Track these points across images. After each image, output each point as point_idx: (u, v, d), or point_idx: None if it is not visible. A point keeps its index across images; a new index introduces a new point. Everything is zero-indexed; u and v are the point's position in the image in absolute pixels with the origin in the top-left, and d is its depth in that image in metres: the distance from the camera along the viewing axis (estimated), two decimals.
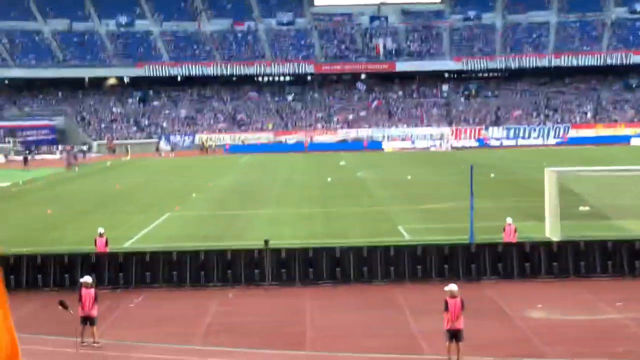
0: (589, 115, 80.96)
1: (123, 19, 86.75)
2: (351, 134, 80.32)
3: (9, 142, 74.35)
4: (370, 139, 77.65)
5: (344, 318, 17.24)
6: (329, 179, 47.63)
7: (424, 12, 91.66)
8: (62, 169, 56.02)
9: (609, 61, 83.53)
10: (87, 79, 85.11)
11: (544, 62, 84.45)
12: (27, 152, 66.80)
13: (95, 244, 21.64)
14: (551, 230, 24.22)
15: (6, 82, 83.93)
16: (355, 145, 74.85)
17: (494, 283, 19.82)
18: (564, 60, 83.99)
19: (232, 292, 19.86)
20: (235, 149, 74.78)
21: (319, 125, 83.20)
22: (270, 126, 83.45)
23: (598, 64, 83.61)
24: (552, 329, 16.36)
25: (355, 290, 19.82)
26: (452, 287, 13.79)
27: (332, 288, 20.17)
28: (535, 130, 78.08)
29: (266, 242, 20.94)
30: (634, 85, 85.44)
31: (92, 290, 15.34)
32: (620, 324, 16.23)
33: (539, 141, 75.77)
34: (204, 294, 19.97)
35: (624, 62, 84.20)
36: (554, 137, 76.12)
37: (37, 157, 67.98)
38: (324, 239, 25.30)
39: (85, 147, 69.06)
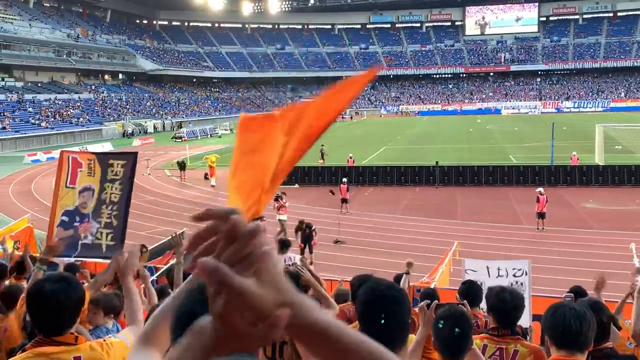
0: (622, 95, 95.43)
1: (363, 45, 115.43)
2: (483, 105, 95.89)
3: None
4: (494, 107, 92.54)
5: (477, 203, 20.84)
6: (471, 129, 53.89)
7: (527, 37, 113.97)
8: None
9: (636, 64, 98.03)
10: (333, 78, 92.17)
11: (597, 65, 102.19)
12: None
13: (348, 162, 27.35)
14: (598, 158, 28.22)
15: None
16: (485, 112, 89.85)
17: (564, 188, 23.03)
18: (610, 63, 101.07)
19: (418, 188, 24.56)
20: (421, 113, 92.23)
21: (465, 100, 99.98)
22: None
23: (629, 65, 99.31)
24: (597, 214, 19.25)
25: (485, 189, 23.41)
26: (541, 189, 17.17)
27: (471, 188, 24.05)
28: (590, 103, 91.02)
29: (437, 162, 25.83)
30: None
31: (346, 186, 20.18)
32: (638, 212, 19.30)
33: (592, 109, 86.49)
34: (405, 189, 24.74)
35: None
36: (601, 107, 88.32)
37: None
38: (469, 161, 29.28)
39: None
